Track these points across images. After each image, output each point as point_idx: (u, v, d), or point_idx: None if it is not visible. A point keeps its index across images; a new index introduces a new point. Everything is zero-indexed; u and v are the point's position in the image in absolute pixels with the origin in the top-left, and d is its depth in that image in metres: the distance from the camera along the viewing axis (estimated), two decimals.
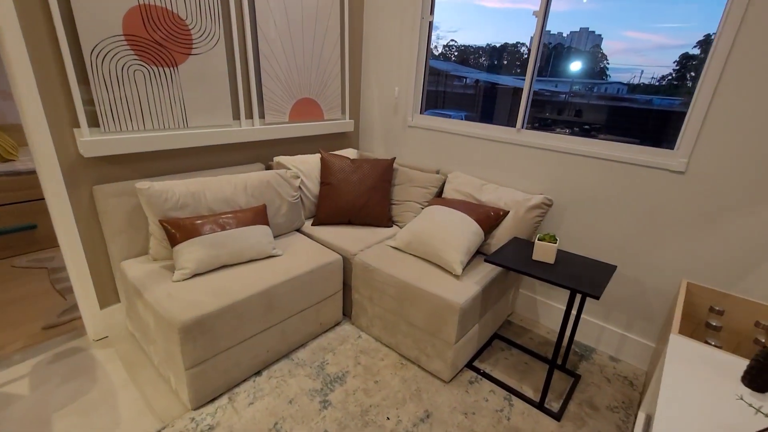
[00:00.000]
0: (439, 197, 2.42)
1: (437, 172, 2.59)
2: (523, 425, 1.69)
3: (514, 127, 2.33)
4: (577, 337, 2.31)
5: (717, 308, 1.70)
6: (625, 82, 2.06)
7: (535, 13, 2.12)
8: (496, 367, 2.03)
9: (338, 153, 2.70)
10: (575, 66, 2.22)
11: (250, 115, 2.34)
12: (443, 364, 1.85)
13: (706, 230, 1.80)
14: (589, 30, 2.13)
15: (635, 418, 1.78)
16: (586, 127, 2.22)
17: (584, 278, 1.62)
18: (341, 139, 3.03)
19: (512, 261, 1.74)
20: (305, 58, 2.49)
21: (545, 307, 2.42)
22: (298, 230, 2.41)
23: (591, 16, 2.07)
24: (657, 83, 1.96)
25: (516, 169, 2.34)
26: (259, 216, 2.04)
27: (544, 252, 1.74)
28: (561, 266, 1.72)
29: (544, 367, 2.06)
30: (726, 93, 1.65)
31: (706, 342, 1.48)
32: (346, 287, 2.24)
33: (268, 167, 2.52)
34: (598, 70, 2.15)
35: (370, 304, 2.10)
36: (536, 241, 1.75)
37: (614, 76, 2.10)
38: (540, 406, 1.78)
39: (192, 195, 1.89)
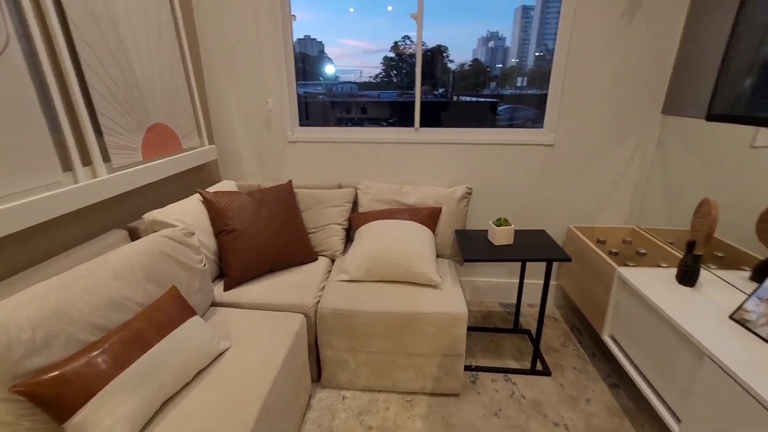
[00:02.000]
0: (358, 212, 2.22)
1: (338, 187, 2.37)
2: (535, 395, 1.82)
3: (413, 126, 2.36)
4: (501, 299, 2.64)
5: (601, 239, 2.27)
6: (354, 81, 2.59)
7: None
8: (476, 356, 2.09)
9: (219, 190, 2.07)
10: (329, 69, 2.55)
11: (88, 161, 1.48)
12: (454, 380, 1.76)
13: (573, 184, 2.36)
14: (311, 37, 2.44)
15: (579, 343, 2.20)
16: (386, 120, 2.65)
17: (543, 248, 1.85)
18: (204, 173, 2.33)
19: (484, 252, 1.80)
20: (143, 66, 1.75)
21: (478, 285, 2.64)
22: (211, 304, 1.74)
23: (310, 26, 2.38)
24: (375, 80, 2.53)
25: (422, 166, 2.40)
26: (176, 305, 1.35)
27: (505, 236, 1.88)
28: (518, 244, 1.90)
29: (505, 336, 2.26)
30: (570, 81, 2.16)
31: (626, 265, 1.95)
32: (310, 348, 1.79)
33: (132, 232, 1.69)
34: (334, 73, 2.58)
35: (351, 354, 1.76)
36: (496, 227, 1.87)
37: (344, 77, 2.58)
38: (533, 370, 1.96)
39: (54, 317, 1.06)
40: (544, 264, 2.54)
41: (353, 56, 2.50)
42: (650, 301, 1.52)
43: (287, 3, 2.20)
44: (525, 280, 2.58)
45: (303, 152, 2.45)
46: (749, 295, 1.37)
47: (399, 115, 2.53)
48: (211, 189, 2.08)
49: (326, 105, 2.65)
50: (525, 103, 2.52)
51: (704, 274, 1.69)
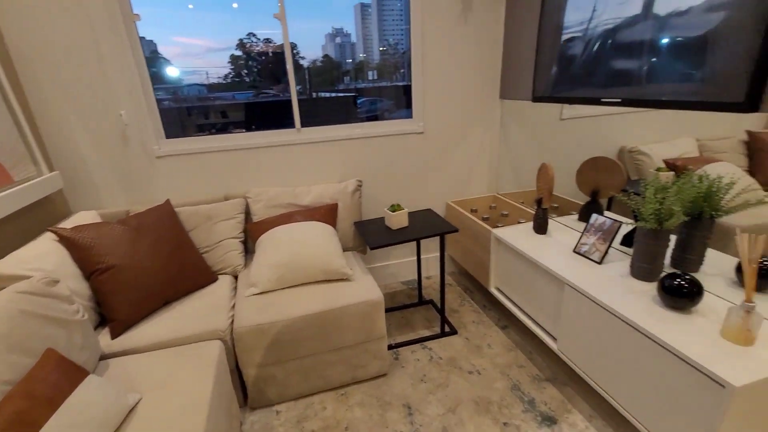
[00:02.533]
0: (253, 222, 2.13)
1: (225, 198, 2.23)
2: (449, 353, 2.07)
3: (293, 127, 2.35)
4: (401, 278, 2.87)
5: (474, 208, 2.66)
6: (201, 83, 2.35)
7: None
8: (393, 334, 2.25)
9: (78, 224, 1.72)
10: (171, 72, 2.24)
11: None
12: (380, 361, 1.88)
13: (445, 165, 2.69)
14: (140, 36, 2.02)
15: (472, 300, 2.56)
16: (253, 122, 2.48)
17: (434, 224, 2.09)
18: (50, 206, 1.89)
19: (386, 238, 1.94)
20: None
21: (379, 269, 2.79)
22: (100, 358, 1.47)
23: (141, 24, 2.00)
24: (225, 81, 2.37)
25: (310, 166, 2.41)
26: (60, 370, 1.13)
27: (401, 219, 2.05)
28: (412, 225, 2.10)
29: (413, 310, 2.48)
30: (428, 75, 2.44)
31: (497, 226, 2.34)
32: (231, 373, 1.67)
33: None
34: (176, 75, 2.26)
35: (279, 367, 1.71)
36: (391, 213, 2.03)
37: (188, 79, 2.29)
38: (442, 333, 2.22)
39: None
40: (436, 239, 2.84)
41: (195, 56, 2.28)
42: (519, 251, 1.88)
43: (127, 1, 1.93)
44: (421, 256, 2.86)
45: (177, 167, 2.20)
46: (581, 233, 1.82)
47: (266, 116, 2.45)
48: (66, 224, 1.72)
49: (182, 112, 2.34)
50: (379, 94, 2.74)
51: (551, 223, 2.16)
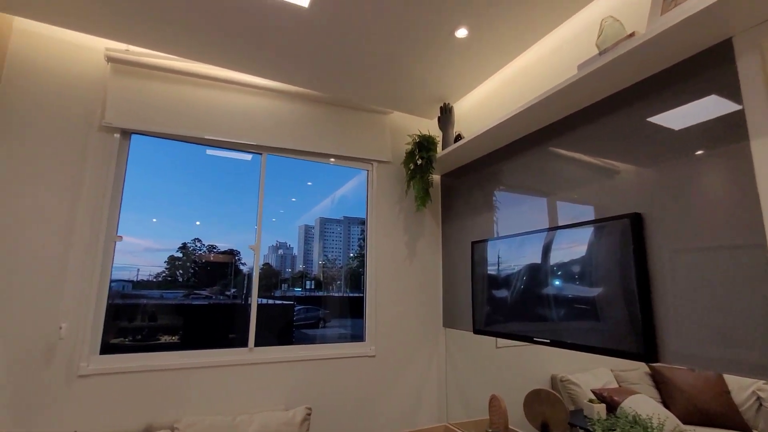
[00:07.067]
0: None
1: (146, 431, 1.90)
2: None
3: (246, 346, 2.29)
4: None
5: None
6: (128, 279, 2.32)
7: None
8: None
9: None
10: None
11: None
12: None
13: (393, 389, 2.65)
14: None
15: None
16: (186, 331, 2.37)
17: None
18: None
19: None
20: None
21: None
22: None
23: None
24: (154, 279, 2.40)
25: (255, 389, 2.24)
26: None
27: None
28: None
29: None
30: (380, 305, 2.73)
31: None
32: None
33: None
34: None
35: None
36: None
37: (116, 274, 2.18)
38: None
39: None
40: None
41: (131, 254, 2.25)
42: None
43: (115, 223, 2.12)
44: None
45: (98, 389, 1.92)
46: None
47: (199, 321, 2.37)
48: None
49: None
50: (318, 303, 2.95)
51: None
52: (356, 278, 2.95)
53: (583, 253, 1.76)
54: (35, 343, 1.84)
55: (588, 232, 1.74)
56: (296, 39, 1.98)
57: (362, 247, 2.89)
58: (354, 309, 2.85)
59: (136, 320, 2.27)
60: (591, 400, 2.00)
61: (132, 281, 2.31)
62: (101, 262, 2.01)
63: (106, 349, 2.04)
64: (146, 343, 2.23)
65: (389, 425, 2.59)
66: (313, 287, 2.94)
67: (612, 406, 1.76)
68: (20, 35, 2.01)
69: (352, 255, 3.11)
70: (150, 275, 2.37)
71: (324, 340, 2.81)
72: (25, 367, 1.81)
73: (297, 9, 1.76)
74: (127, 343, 2.17)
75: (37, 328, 1.85)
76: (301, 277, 2.99)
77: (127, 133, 2.19)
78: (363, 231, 2.89)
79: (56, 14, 1.82)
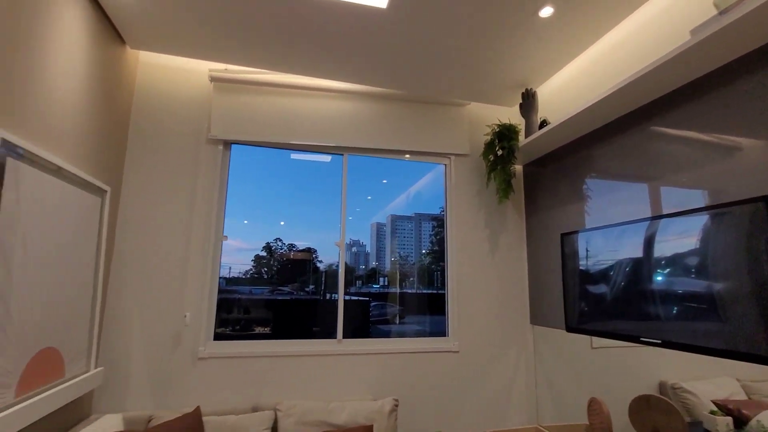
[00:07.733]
0: None
1: (254, 410, 2.11)
2: None
3: (335, 338, 2.43)
4: None
5: None
6: (222, 276, 2.47)
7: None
8: None
9: (105, 430, 1.61)
10: None
11: None
12: None
13: (480, 387, 2.60)
14: None
15: None
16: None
17: None
18: (78, 408, 1.80)
19: None
20: (50, 289, 1.54)
21: None
22: None
23: None
24: (243, 276, 2.68)
25: (344, 379, 2.37)
26: None
27: None
28: None
29: None
30: (461, 301, 2.69)
31: None
32: None
33: None
34: None
35: None
36: None
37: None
38: None
39: None
40: None
41: (225, 253, 2.44)
42: None
43: (221, 225, 2.39)
44: None
45: (214, 370, 2.19)
46: None
47: (287, 315, 2.56)
48: (91, 429, 1.61)
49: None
50: (388, 300, 2.96)
51: None
52: (429, 275, 2.94)
53: (698, 244, 1.55)
54: (167, 330, 2.16)
55: (702, 219, 1.54)
56: (376, 40, 2.04)
57: (434, 244, 2.87)
58: (431, 305, 2.85)
59: (233, 313, 2.57)
60: (713, 412, 1.76)
61: (225, 278, 2.53)
62: (212, 259, 2.29)
63: (215, 337, 2.32)
64: (245, 333, 2.51)
65: (476, 422, 2.55)
66: (386, 284, 3.00)
67: (740, 421, 1.53)
68: (143, 67, 2.37)
69: (424, 251, 3.11)
70: (240, 272, 2.61)
71: (400, 336, 2.86)
72: (159, 351, 2.13)
73: (376, 11, 1.82)
74: (228, 332, 2.46)
75: (168, 318, 2.17)
76: (374, 274, 3.06)
77: (228, 144, 2.46)
78: (434, 227, 2.87)
79: (170, 44, 2.11)
